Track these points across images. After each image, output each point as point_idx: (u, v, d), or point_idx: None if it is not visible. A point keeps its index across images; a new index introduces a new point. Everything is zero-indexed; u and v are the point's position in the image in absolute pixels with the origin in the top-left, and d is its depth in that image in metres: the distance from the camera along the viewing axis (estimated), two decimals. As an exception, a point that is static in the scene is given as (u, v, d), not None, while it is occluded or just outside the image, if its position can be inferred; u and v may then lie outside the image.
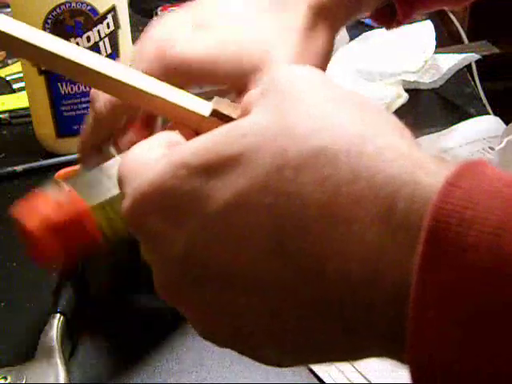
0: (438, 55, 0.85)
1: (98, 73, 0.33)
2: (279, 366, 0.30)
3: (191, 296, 0.29)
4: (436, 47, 0.85)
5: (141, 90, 0.33)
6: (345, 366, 0.46)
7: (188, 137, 0.32)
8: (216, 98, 0.33)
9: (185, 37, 0.45)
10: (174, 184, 0.28)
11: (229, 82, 0.46)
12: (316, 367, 0.47)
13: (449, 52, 0.86)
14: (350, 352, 0.28)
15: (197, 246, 0.28)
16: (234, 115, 0.32)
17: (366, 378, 0.45)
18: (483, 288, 0.22)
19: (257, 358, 0.30)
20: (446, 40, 0.95)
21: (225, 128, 0.28)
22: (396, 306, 0.24)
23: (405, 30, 0.95)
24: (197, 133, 0.33)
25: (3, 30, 0.33)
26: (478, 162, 0.25)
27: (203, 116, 0.33)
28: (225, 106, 0.33)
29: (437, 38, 0.87)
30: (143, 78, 0.34)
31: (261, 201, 0.26)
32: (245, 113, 0.30)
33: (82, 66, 0.34)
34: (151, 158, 0.30)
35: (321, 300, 0.26)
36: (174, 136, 0.32)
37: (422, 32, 0.88)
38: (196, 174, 0.27)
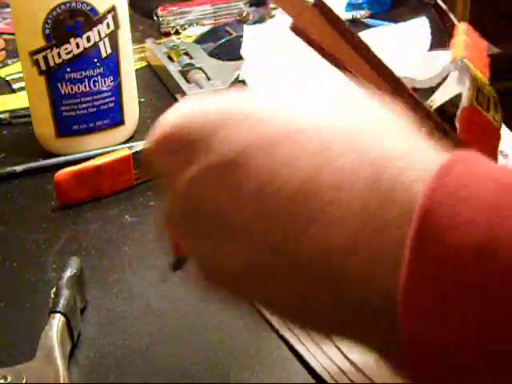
0: (434, 52, 0.84)
1: None
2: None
3: (187, 228, 0.33)
4: (435, 46, 0.85)
5: None
6: (346, 366, 0.46)
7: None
8: None
9: None
10: (188, 129, 0.32)
11: None
12: (316, 367, 0.46)
13: (447, 50, 0.86)
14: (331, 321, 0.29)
15: (197, 185, 0.31)
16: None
17: (368, 378, 0.45)
18: (474, 264, 0.23)
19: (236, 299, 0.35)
20: (445, 39, 0.95)
21: (234, 94, 0.32)
22: (375, 275, 0.25)
23: (400, 26, 0.95)
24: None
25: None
26: (471, 152, 0.26)
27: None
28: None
29: (436, 37, 0.86)
30: None
31: (257, 161, 0.29)
32: None
33: None
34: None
35: (295, 262, 0.28)
36: None
37: (417, 29, 0.88)
38: (207, 126, 0.31)
